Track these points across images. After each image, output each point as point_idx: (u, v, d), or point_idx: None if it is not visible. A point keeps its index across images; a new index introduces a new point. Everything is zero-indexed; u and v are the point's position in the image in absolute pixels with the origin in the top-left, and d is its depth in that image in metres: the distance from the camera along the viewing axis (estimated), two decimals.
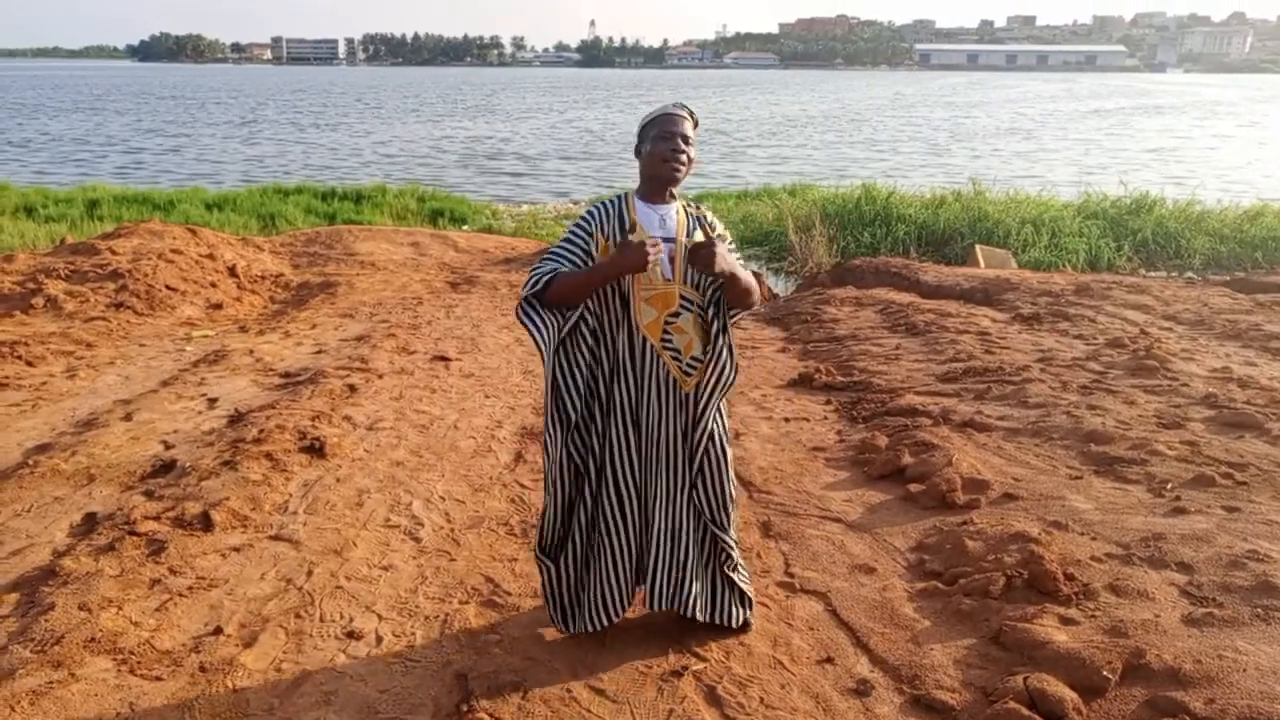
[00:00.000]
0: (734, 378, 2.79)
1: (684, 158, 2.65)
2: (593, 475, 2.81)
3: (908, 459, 4.50)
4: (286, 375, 6.08)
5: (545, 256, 2.71)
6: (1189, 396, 5.37)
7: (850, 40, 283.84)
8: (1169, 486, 4.11)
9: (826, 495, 4.29)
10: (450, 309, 8.24)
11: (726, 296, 2.73)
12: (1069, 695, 2.60)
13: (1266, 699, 2.51)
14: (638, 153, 2.73)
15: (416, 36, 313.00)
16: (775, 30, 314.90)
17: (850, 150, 32.93)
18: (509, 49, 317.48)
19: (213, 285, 8.83)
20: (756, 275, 2.66)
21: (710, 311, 2.75)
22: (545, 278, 2.63)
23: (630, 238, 2.62)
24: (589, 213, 2.77)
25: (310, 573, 3.46)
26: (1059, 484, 4.20)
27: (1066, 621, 2.99)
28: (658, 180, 2.69)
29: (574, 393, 2.73)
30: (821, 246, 12.11)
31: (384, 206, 15.84)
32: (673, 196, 2.75)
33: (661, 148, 2.64)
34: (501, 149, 31.49)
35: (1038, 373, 5.99)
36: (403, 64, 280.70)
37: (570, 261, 2.67)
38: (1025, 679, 2.67)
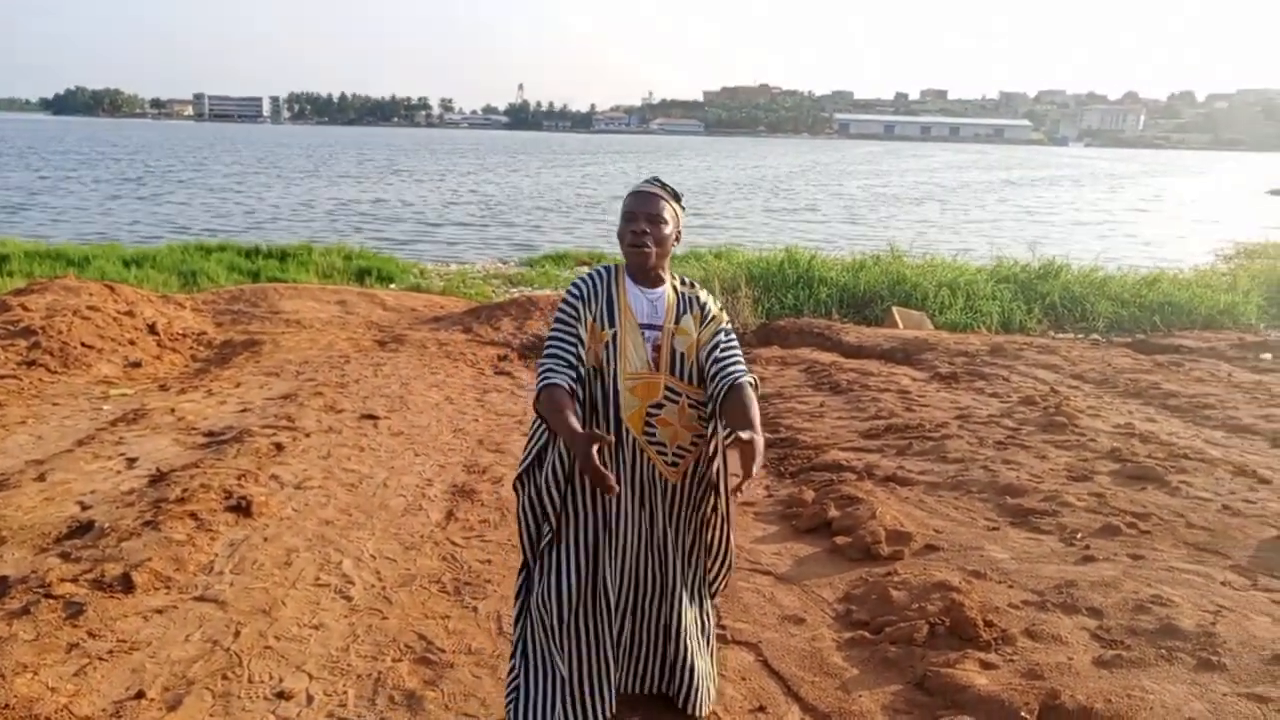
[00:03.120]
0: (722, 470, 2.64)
1: (649, 240, 2.45)
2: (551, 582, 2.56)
3: (834, 512, 4.62)
4: (210, 434, 5.96)
5: (546, 346, 2.50)
6: (1096, 451, 5.64)
7: (772, 109, 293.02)
8: (1079, 536, 4.31)
9: (756, 549, 4.37)
10: (378, 367, 8.19)
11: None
12: None
13: None
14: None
15: (343, 96, 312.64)
16: (700, 98, 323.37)
17: (772, 215, 33.81)
18: (437, 110, 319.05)
19: (131, 343, 8.62)
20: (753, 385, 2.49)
21: (710, 416, 2.58)
22: (541, 384, 2.42)
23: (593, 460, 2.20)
24: (576, 286, 2.54)
25: (238, 633, 3.38)
26: (977, 535, 4.37)
27: (987, 666, 3.11)
28: (630, 266, 2.53)
29: (554, 488, 2.50)
30: (747, 307, 12.38)
31: (310, 264, 15.67)
32: (661, 278, 2.55)
33: (624, 229, 2.49)
34: (426, 208, 31.49)
35: (956, 429, 6.22)
36: (329, 123, 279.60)
37: (566, 356, 2.44)
38: None
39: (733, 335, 2.59)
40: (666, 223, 2.48)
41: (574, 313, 2.48)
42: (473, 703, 3.01)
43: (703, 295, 2.62)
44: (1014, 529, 4.46)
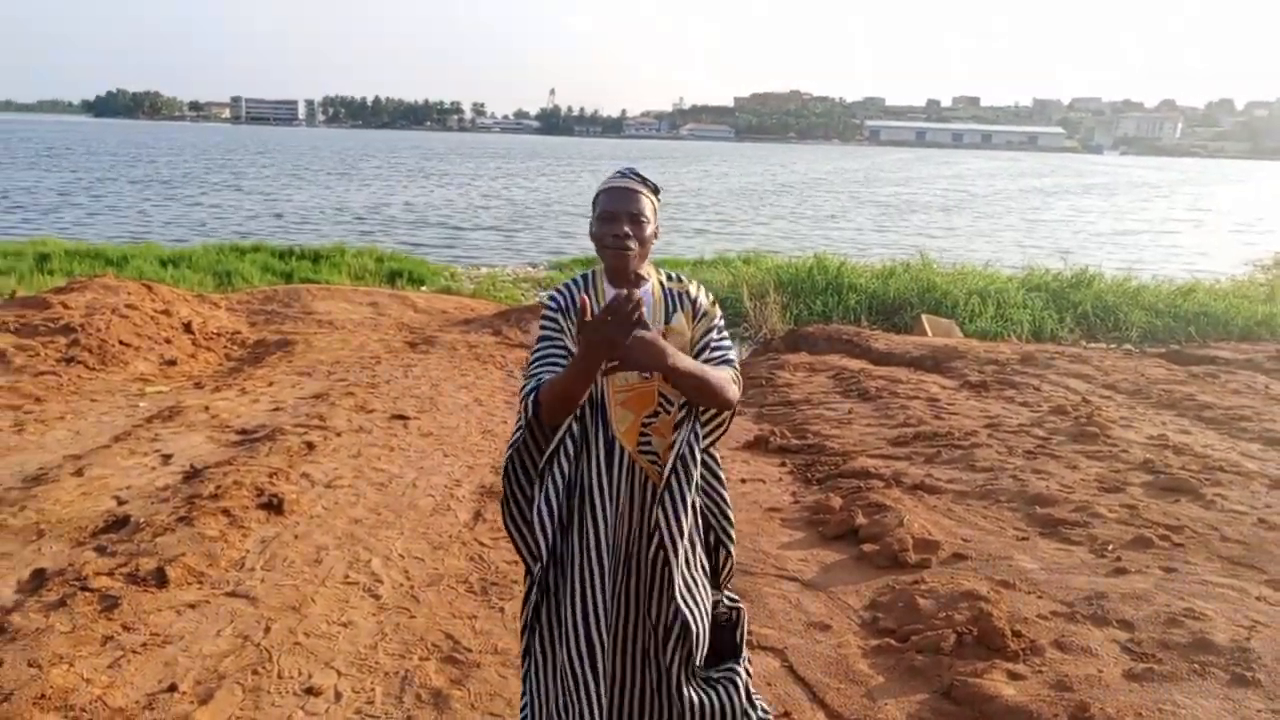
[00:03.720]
0: (696, 470, 2.26)
1: (631, 243, 2.19)
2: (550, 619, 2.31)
3: (861, 520, 4.61)
4: (243, 432, 6.04)
5: (530, 365, 2.27)
6: (1128, 462, 5.57)
7: (803, 115, 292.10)
8: (1110, 547, 4.26)
9: (783, 555, 4.36)
10: (409, 368, 8.26)
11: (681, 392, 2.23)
12: None
13: None
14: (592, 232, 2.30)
15: (377, 100, 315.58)
16: (730, 104, 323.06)
17: (801, 221, 33.71)
18: (469, 114, 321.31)
19: (167, 341, 8.76)
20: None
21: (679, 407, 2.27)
22: (531, 400, 2.19)
23: (589, 319, 2.01)
24: (553, 298, 2.31)
25: (268, 629, 3.43)
26: (1006, 544, 4.33)
27: (1014, 677, 3.09)
28: (610, 270, 2.26)
29: (549, 518, 2.24)
30: (776, 313, 12.37)
31: (342, 266, 15.85)
32: (642, 277, 2.28)
33: (602, 231, 2.21)
34: (455, 212, 31.72)
35: (985, 438, 6.17)
36: (362, 126, 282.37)
37: (553, 366, 2.22)
38: None
39: (725, 332, 2.36)
40: (649, 221, 2.24)
41: (555, 325, 2.27)
42: (498, 702, 3.04)
43: (693, 289, 2.36)
44: (1043, 539, 4.42)
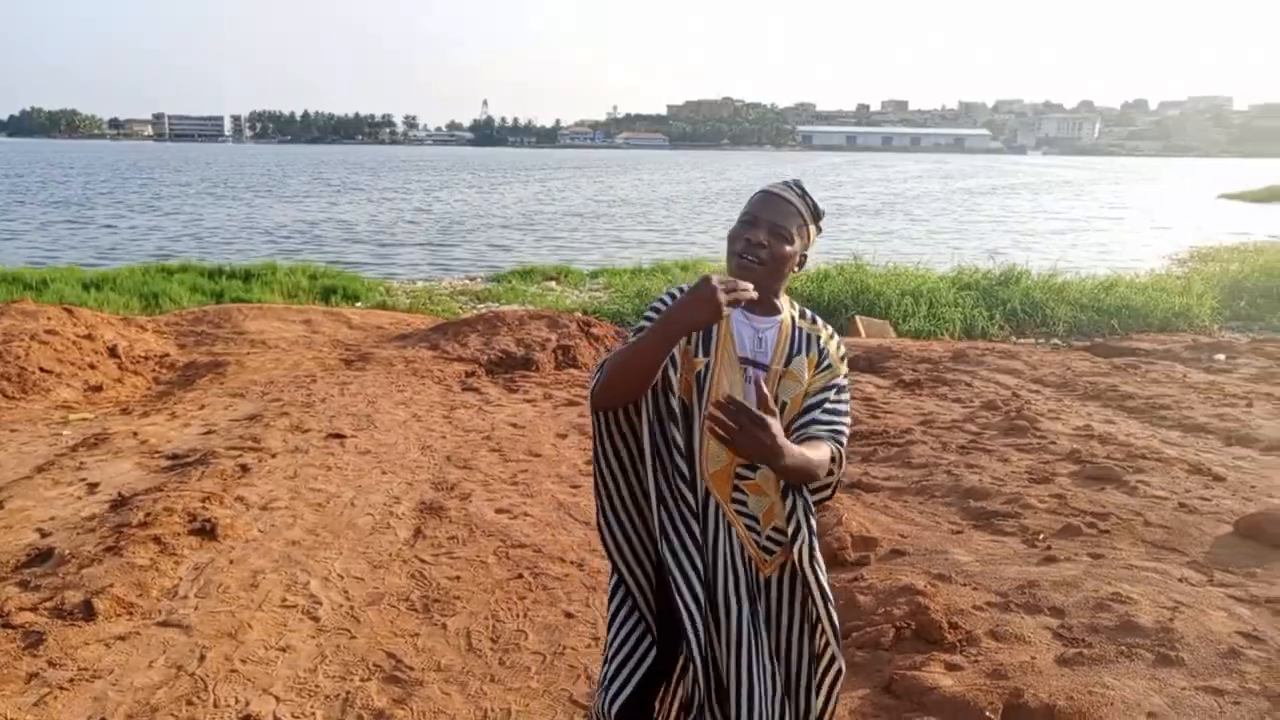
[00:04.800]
0: (816, 554, 1.97)
1: (764, 255, 1.92)
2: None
3: None
4: (174, 457, 5.89)
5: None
6: (1056, 453, 5.73)
7: (736, 121, 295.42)
8: (1041, 537, 4.39)
9: None
10: (345, 386, 8.14)
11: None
12: None
13: None
14: None
15: (306, 114, 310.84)
16: (664, 112, 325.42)
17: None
18: (401, 127, 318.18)
19: (92, 367, 8.49)
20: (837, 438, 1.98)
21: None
22: (595, 385, 1.93)
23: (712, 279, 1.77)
24: (671, 296, 1.96)
25: (203, 658, 3.35)
26: (942, 538, 4.43)
27: (952, 668, 3.16)
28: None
29: (631, 535, 2.02)
30: None
31: (274, 284, 15.54)
32: (776, 306, 2.01)
33: (735, 233, 1.96)
34: (385, 226, 31.36)
35: (920, 435, 6.30)
36: (291, 141, 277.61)
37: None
38: None
39: (845, 394, 2.04)
40: (792, 240, 1.95)
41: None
42: (443, 719, 3.01)
43: (824, 335, 2.06)
44: (978, 532, 4.53)
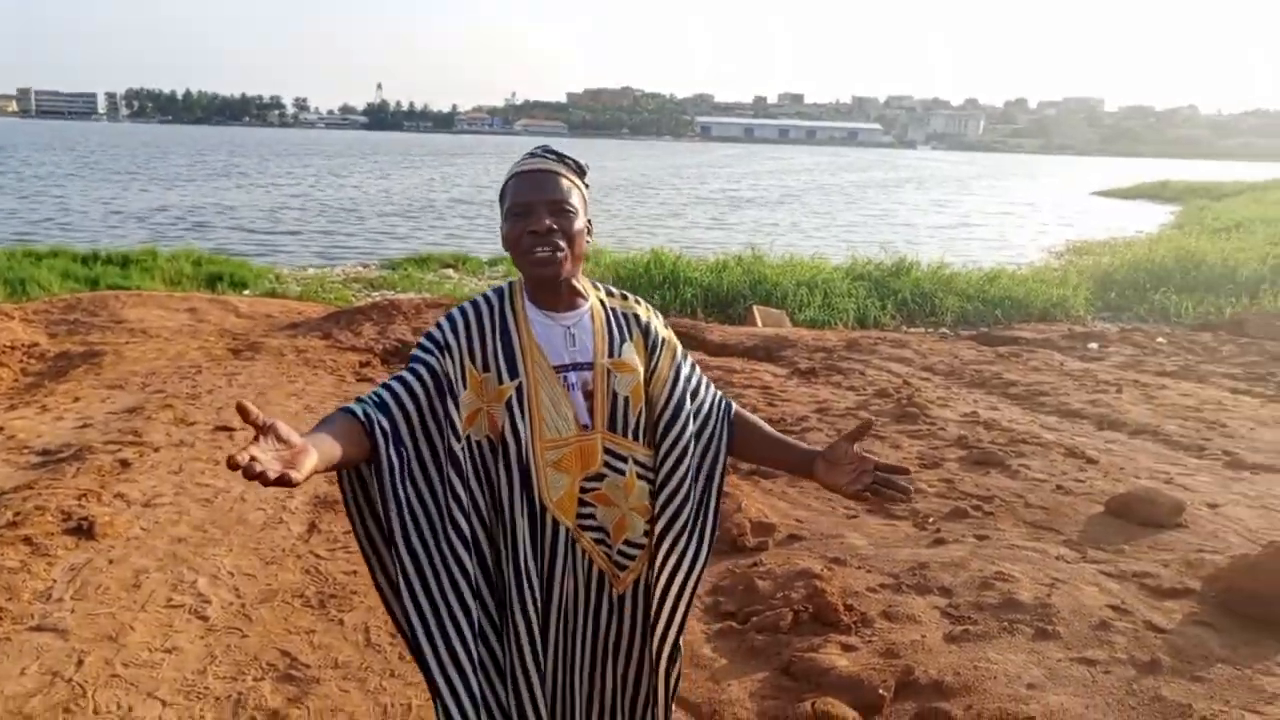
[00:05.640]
0: (703, 562, 1.82)
1: (559, 240, 1.67)
2: None
3: None
4: (46, 452, 5.57)
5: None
6: (945, 439, 5.96)
7: (636, 111, 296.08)
8: (930, 520, 4.56)
9: None
10: (233, 377, 7.84)
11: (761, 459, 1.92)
12: (851, 715, 2.83)
13: (1014, 700, 2.84)
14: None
15: (189, 93, 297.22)
16: (564, 100, 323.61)
17: (638, 217, 34.16)
18: (291, 110, 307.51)
19: None
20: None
21: (688, 477, 1.79)
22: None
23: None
24: (450, 317, 1.75)
25: (80, 662, 3.19)
26: (837, 523, 4.56)
27: (847, 648, 3.26)
28: (534, 283, 1.74)
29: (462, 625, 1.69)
30: None
31: (155, 270, 14.81)
32: (579, 293, 1.78)
33: (516, 231, 1.68)
34: (270, 211, 30.31)
35: (815, 422, 6.45)
36: (172, 121, 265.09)
37: (395, 389, 1.68)
38: (813, 704, 2.88)
39: (689, 358, 1.89)
40: (575, 210, 1.70)
41: (433, 348, 1.72)
42: (340, 717, 2.95)
43: (642, 311, 1.86)
44: (870, 516, 4.68)
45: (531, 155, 1.76)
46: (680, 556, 1.78)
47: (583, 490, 1.72)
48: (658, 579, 1.78)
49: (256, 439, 1.33)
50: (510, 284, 1.79)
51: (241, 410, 1.32)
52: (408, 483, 1.64)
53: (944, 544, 4.22)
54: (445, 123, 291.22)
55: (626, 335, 1.79)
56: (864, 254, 16.54)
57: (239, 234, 24.06)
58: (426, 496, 1.66)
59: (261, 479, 1.28)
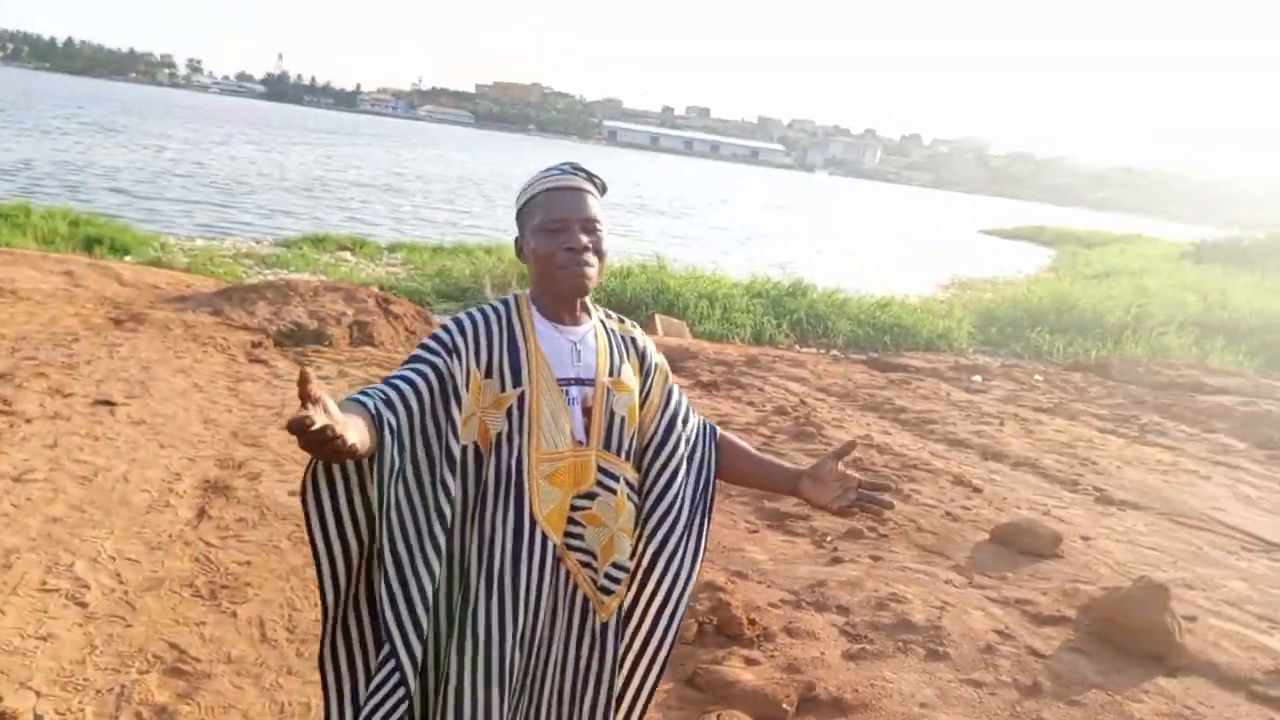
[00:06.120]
0: (692, 585, 1.82)
1: (591, 258, 1.71)
2: None
3: None
4: None
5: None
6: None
7: (544, 108, 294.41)
8: (828, 539, 4.69)
9: None
10: (114, 348, 7.43)
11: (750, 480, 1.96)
12: None
13: (909, 719, 2.95)
14: (519, 250, 1.80)
15: (70, 41, 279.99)
16: (472, 89, 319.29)
17: None
18: (184, 70, 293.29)
19: None
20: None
21: (673, 493, 1.81)
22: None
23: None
24: (458, 321, 1.74)
25: None
26: (740, 537, 4.64)
27: (750, 662, 3.32)
28: (557, 297, 1.74)
29: (410, 624, 1.60)
30: None
31: (27, 228, 13.89)
32: (586, 309, 1.81)
33: (551, 247, 1.69)
34: (154, 176, 28.89)
35: None
36: (50, 70, 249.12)
37: (400, 387, 1.62)
38: (718, 716, 2.93)
39: (681, 391, 1.93)
40: (603, 229, 1.77)
41: (440, 349, 1.68)
42: (233, 714, 2.83)
43: (638, 335, 1.89)
44: (771, 532, 4.78)
45: (561, 171, 1.77)
46: (674, 578, 1.79)
47: (574, 509, 1.70)
48: (650, 602, 1.79)
49: (304, 408, 1.28)
50: (515, 296, 1.80)
51: (303, 378, 1.28)
52: (399, 484, 1.60)
53: (841, 563, 4.36)
54: (348, 101, 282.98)
55: (624, 357, 1.82)
56: (763, 272, 16.92)
57: (120, 197, 22.77)
58: (415, 498, 1.62)
59: (324, 441, 1.27)
